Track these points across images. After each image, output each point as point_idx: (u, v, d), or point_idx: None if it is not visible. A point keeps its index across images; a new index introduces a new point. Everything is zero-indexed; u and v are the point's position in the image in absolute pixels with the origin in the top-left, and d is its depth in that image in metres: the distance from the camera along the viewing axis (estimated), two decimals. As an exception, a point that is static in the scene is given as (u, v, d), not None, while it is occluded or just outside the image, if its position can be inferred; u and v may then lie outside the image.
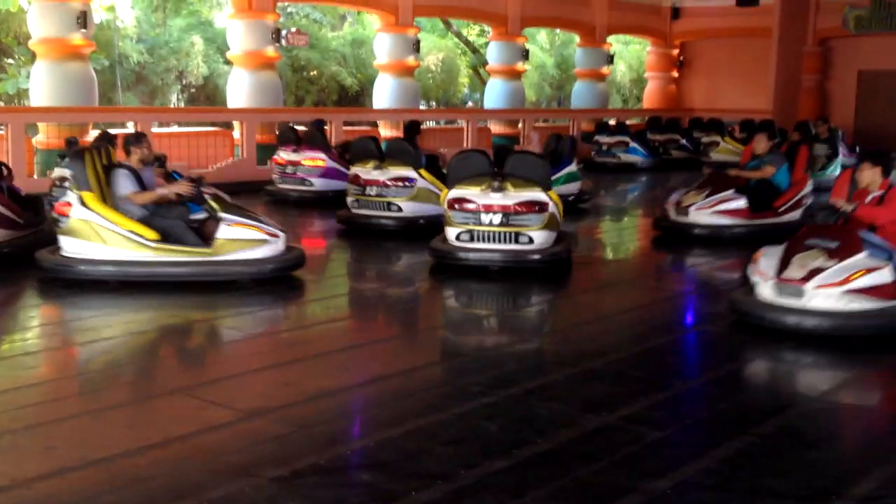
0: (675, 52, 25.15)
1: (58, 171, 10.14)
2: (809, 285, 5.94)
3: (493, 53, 20.34)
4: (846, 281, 5.87)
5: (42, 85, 13.23)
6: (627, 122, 21.35)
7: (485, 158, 8.49)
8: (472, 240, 7.96)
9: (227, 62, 17.87)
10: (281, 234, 7.50)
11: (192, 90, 23.32)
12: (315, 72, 24.26)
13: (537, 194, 7.98)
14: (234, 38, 15.59)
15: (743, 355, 5.95)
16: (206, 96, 23.13)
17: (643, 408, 4.77)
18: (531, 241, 7.94)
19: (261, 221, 7.50)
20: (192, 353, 6.00)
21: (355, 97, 24.82)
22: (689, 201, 10.04)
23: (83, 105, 13.24)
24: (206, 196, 7.45)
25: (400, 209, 10.00)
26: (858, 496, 3.76)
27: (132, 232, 7.15)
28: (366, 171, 10.20)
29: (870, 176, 6.80)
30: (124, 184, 7.39)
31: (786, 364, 5.80)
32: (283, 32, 16.33)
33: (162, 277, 7.19)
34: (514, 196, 7.94)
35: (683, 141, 20.08)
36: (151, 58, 21.70)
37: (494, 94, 20.46)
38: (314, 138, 12.81)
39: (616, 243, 10.99)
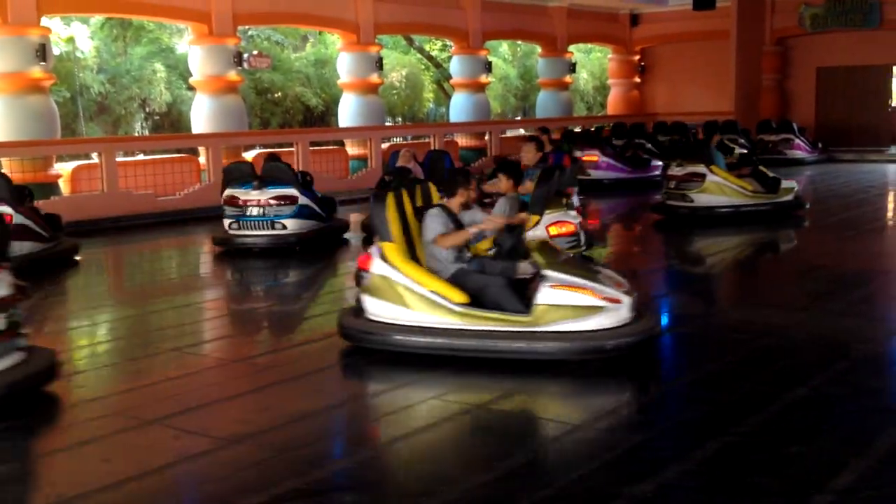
0: (636, 58, 25.37)
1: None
2: None
3: (457, 67, 20.42)
4: None
5: (3, 120, 13.08)
6: (592, 129, 21.48)
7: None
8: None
9: (190, 88, 17.80)
10: (625, 297, 5.71)
11: (156, 118, 23.18)
12: (279, 93, 24.22)
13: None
14: (196, 64, 15.53)
15: (722, 355, 5.97)
16: (171, 123, 23.00)
17: (624, 412, 4.77)
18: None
19: (598, 282, 5.76)
20: (165, 383, 5.92)
21: (321, 117, 24.79)
22: None
23: (46, 138, 13.11)
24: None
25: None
26: (838, 489, 3.78)
27: (435, 293, 5.80)
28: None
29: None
30: (432, 226, 6.02)
31: (760, 362, 5.83)
32: (245, 56, 16.31)
33: (467, 352, 5.67)
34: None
35: (649, 145, 20.20)
36: (113, 87, 21.56)
37: (459, 107, 20.52)
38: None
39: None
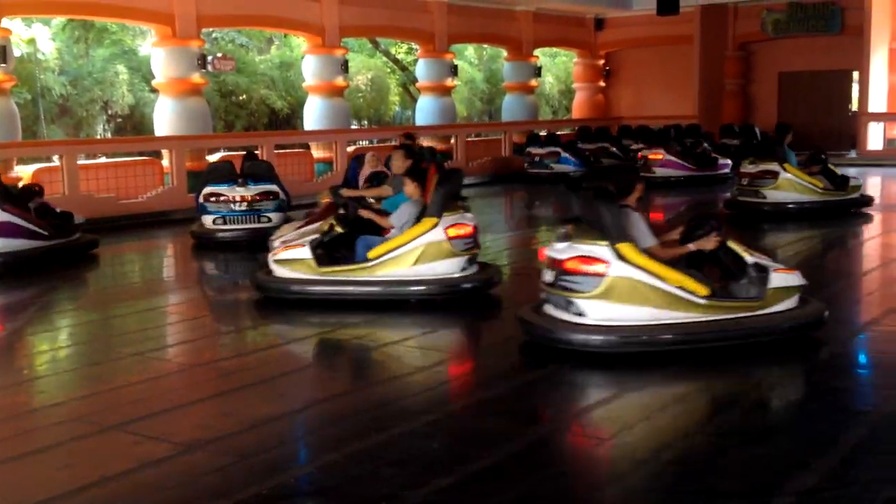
0: (601, 62, 25.52)
1: None
2: None
3: (422, 71, 20.41)
4: None
5: (-38, 122, 12.88)
6: (558, 133, 21.59)
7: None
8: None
9: (153, 90, 17.62)
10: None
11: (119, 120, 22.93)
12: (244, 96, 24.07)
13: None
14: (159, 66, 15.37)
15: (681, 358, 6.00)
16: (133, 125, 22.77)
17: (584, 416, 4.79)
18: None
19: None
20: (126, 388, 5.85)
21: (286, 120, 24.68)
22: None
23: (6, 140, 12.92)
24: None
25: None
26: (799, 490, 3.81)
27: (681, 288, 5.72)
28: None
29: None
30: (644, 230, 5.87)
31: (723, 363, 5.87)
32: (209, 58, 16.18)
33: (709, 343, 5.77)
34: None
35: (613, 149, 20.33)
36: (75, 89, 21.30)
37: (425, 110, 20.51)
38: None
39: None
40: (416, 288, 7.38)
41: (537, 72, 23.16)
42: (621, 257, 5.63)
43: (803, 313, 6.04)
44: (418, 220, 7.49)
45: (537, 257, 6.98)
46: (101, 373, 6.05)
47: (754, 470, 4.05)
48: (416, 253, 7.34)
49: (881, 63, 21.16)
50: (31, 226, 9.72)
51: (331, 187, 9.20)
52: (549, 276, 5.89)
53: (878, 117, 20.81)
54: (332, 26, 17.55)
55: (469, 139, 20.62)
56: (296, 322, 7.31)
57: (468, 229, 7.47)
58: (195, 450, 4.43)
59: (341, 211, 7.84)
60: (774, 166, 12.20)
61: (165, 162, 14.79)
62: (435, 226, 7.36)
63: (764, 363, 5.72)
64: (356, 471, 4.11)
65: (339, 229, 7.67)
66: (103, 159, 16.01)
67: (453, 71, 20.58)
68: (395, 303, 7.42)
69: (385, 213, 7.80)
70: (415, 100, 22.92)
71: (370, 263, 7.39)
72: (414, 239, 7.37)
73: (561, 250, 5.82)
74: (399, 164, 8.78)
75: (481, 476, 4.03)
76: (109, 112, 22.48)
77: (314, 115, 17.99)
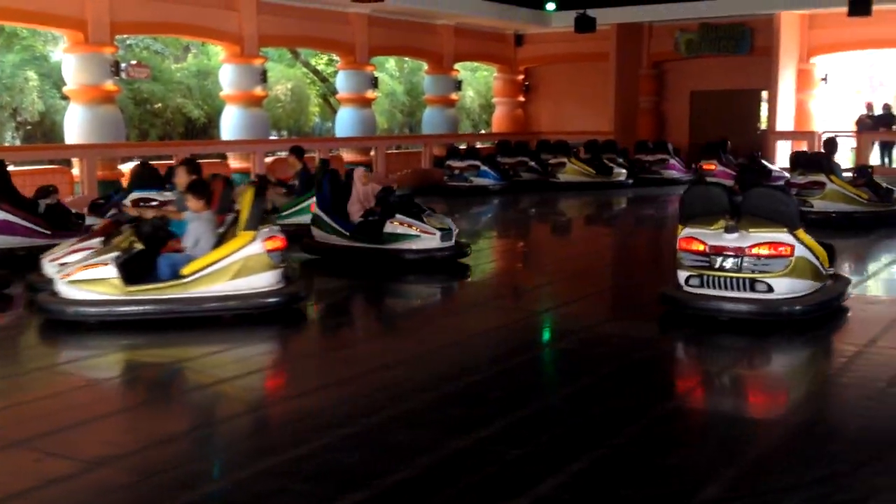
0: (521, 77, 25.80)
1: None
2: None
3: (343, 82, 20.33)
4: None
5: None
6: (478, 147, 21.74)
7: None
8: None
9: (64, 97, 17.16)
10: None
11: (28, 127, 22.26)
12: (159, 104, 23.61)
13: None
14: (70, 73, 14.98)
15: (596, 369, 6.08)
16: (44, 133, 22.12)
17: (500, 428, 4.80)
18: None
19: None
20: (31, 404, 5.66)
21: (203, 129, 24.29)
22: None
23: None
24: None
25: None
26: (707, 499, 3.89)
27: (822, 263, 7.16)
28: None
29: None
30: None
31: (636, 375, 5.97)
32: (123, 65, 15.83)
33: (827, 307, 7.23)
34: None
35: (532, 163, 20.59)
36: (-18, 95, 20.63)
37: (345, 122, 20.42)
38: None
39: (474, 266, 11.09)
40: (233, 303, 7.23)
41: (458, 85, 23.30)
42: (800, 241, 6.90)
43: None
44: (222, 235, 7.43)
45: (676, 246, 7.22)
46: (5, 388, 5.83)
47: (663, 479, 4.12)
48: (235, 267, 7.19)
49: (789, 83, 21.87)
50: (30, 224, 10.08)
51: (91, 202, 9.79)
52: (727, 262, 6.89)
53: (785, 135, 21.49)
54: (250, 35, 17.36)
55: (389, 151, 20.61)
56: (206, 332, 7.18)
57: (282, 242, 7.48)
58: (100, 467, 4.30)
59: (146, 227, 7.49)
60: (822, 177, 12.93)
61: (76, 171, 14.41)
62: (254, 239, 7.28)
63: (673, 375, 5.83)
64: (269, 487, 4.04)
65: (138, 246, 7.33)
66: (12, 167, 15.46)
67: (374, 83, 20.56)
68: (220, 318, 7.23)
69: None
70: (335, 111, 22.81)
71: (186, 280, 7.12)
72: (232, 253, 7.22)
73: (737, 239, 6.89)
74: (182, 179, 8.34)
75: (397, 490, 4.01)
76: (19, 119, 21.81)
77: (232, 124, 17.75)
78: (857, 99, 21.80)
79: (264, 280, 7.32)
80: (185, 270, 7.15)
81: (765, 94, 22.60)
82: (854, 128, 20.43)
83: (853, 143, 20.23)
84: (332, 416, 5.04)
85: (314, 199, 10.85)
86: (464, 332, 7.33)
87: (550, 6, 22.33)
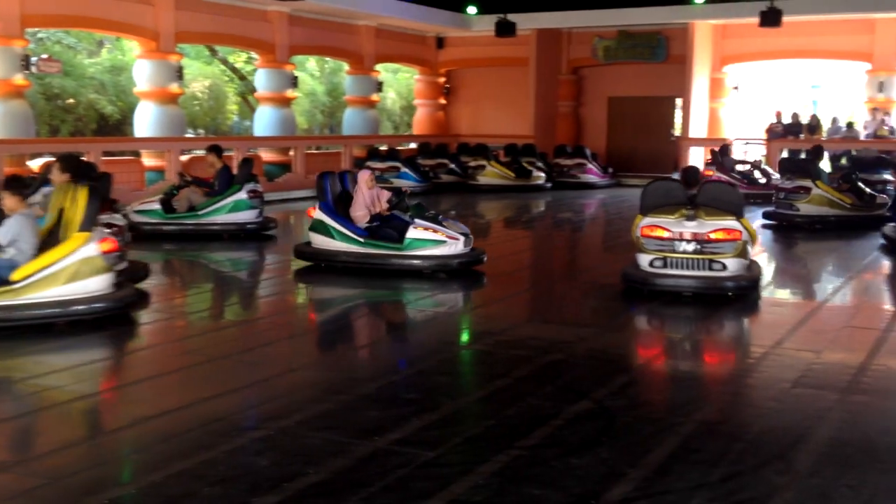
0: (442, 80, 25.89)
1: None
2: None
3: (262, 81, 20.10)
4: None
5: None
6: (398, 148, 21.74)
7: None
8: None
9: (-30, 90, 16.55)
10: None
11: (-69, 120, 21.43)
12: (71, 100, 22.99)
13: None
14: (-23, 66, 14.47)
15: (510, 371, 6.14)
16: (-52, 127, 21.33)
17: (414, 430, 4.81)
18: None
19: None
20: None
21: (116, 126, 23.73)
22: None
23: None
24: None
25: None
26: (615, 499, 3.96)
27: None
28: None
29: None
30: None
31: (546, 377, 6.04)
32: (34, 59, 15.37)
33: None
34: None
35: (452, 165, 20.72)
36: None
37: (264, 121, 20.19)
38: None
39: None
40: (70, 308, 6.89)
41: (379, 86, 23.26)
42: (744, 227, 8.06)
43: None
44: (53, 235, 7.12)
45: (637, 234, 8.24)
46: None
47: (572, 479, 4.18)
48: (69, 271, 6.90)
49: (702, 91, 22.44)
50: None
51: None
52: (689, 246, 7.99)
53: (697, 142, 22.04)
54: (166, 31, 17.02)
55: (309, 151, 20.45)
56: (97, 335, 7.01)
57: (114, 244, 7.31)
58: (0, 472, 4.17)
59: None
60: (808, 182, 13.47)
61: (-18, 166, 13.92)
62: (88, 241, 7.04)
63: (587, 377, 5.92)
64: (178, 491, 3.97)
65: None
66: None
67: (293, 82, 20.38)
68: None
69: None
70: (254, 110, 22.53)
71: (16, 286, 6.76)
72: (66, 256, 6.93)
73: (697, 227, 7.99)
74: (57, 177, 8.04)
75: (309, 493, 3.98)
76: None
77: (147, 121, 17.36)
78: (768, 107, 22.44)
79: (98, 283, 7.04)
80: (16, 275, 6.75)
81: (679, 101, 23.13)
82: (764, 135, 21.05)
83: (763, 150, 20.84)
84: (242, 419, 4.99)
85: (319, 203, 10.16)
86: (375, 335, 7.32)
87: (471, 10, 22.47)
